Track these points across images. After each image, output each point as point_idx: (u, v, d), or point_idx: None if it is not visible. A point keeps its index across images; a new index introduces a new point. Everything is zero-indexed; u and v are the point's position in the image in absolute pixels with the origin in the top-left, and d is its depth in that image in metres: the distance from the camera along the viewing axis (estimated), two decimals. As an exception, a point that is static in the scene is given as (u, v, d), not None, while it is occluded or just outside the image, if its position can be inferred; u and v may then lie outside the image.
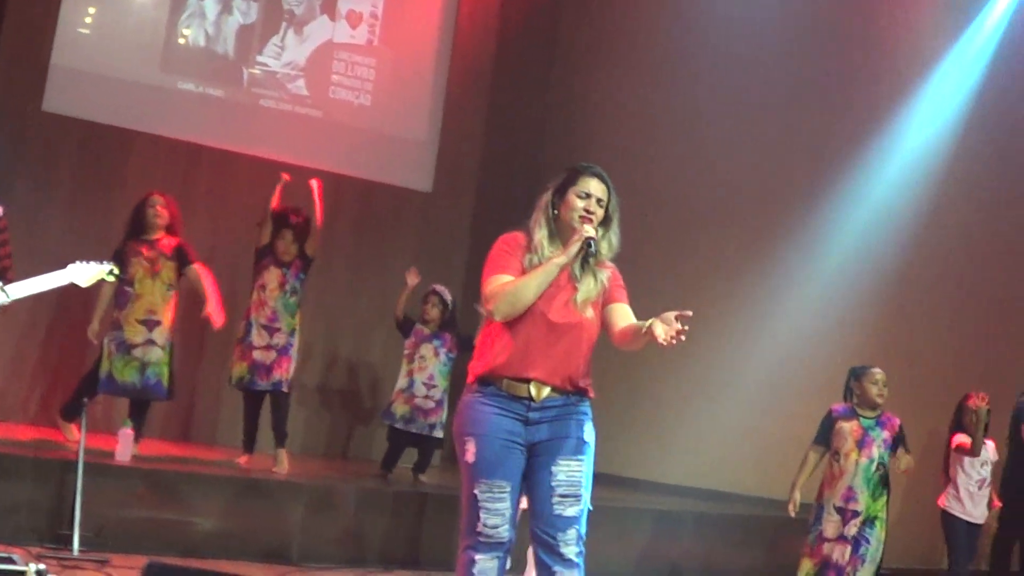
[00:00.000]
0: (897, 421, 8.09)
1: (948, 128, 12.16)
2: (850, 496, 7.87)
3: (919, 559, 11.46)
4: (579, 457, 5.11)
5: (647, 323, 4.83)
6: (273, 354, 9.47)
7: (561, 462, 5.06)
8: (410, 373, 10.06)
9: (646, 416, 12.18)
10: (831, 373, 9.50)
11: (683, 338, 4.72)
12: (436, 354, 10.03)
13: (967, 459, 8.94)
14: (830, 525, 7.90)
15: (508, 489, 5.05)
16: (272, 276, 9.54)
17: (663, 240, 12.10)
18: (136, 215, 9.22)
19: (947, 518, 8.99)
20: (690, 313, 4.75)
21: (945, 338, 11.99)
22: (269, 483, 8.88)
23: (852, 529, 7.84)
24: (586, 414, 5.20)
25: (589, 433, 5.18)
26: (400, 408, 10.03)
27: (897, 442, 8.05)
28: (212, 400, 11.31)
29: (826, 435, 8.06)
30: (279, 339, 9.50)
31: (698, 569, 10.10)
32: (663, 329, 4.74)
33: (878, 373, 8.06)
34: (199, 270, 9.19)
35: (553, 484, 5.05)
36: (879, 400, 8.03)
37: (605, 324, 5.23)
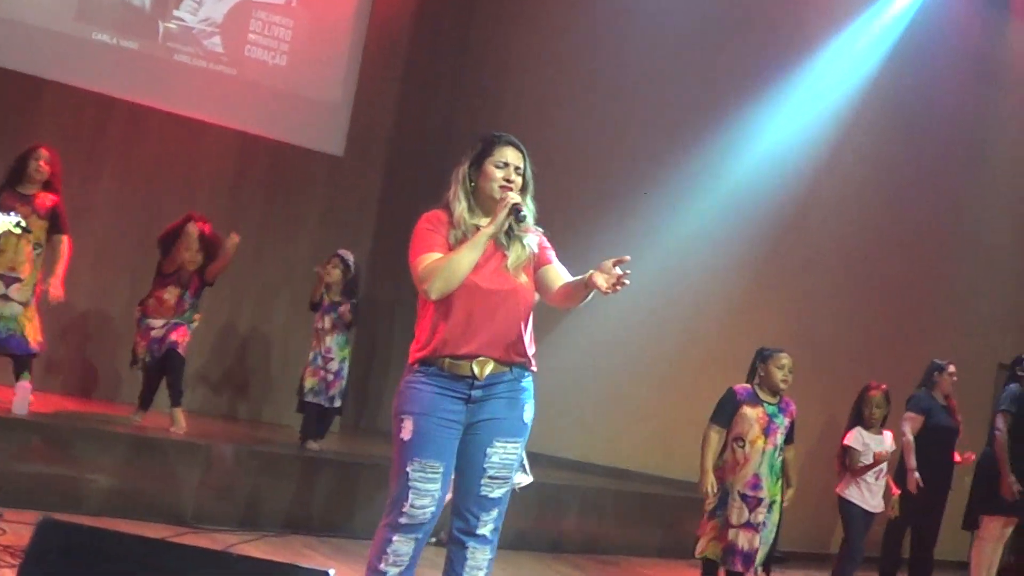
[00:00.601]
0: (794, 407, 8.14)
1: (857, 115, 12.34)
2: (756, 483, 7.82)
3: (814, 543, 11.63)
4: (516, 439, 5.11)
5: (586, 275, 4.78)
6: (171, 325, 9.43)
7: (497, 444, 5.05)
8: (314, 346, 10.08)
9: (545, 390, 12.15)
10: (734, 355, 9.60)
11: (627, 282, 4.67)
12: (334, 327, 10.02)
13: (863, 451, 9.01)
14: (735, 512, 7.82)
15: (441, 470, 4.99)
16: (171, 294, 9.42)
17: (573, 211, 12.12)
18: (18, 165, 8.93)
19: (845, 505, 9.06)
20: (628, 258, 4.70)
21: (848, 325, 12.19)
22: (166, 443, 8.78)
23: (759, 516, 7.80)
24: (528, 391, 5.18)
25: (529, 413, 5.18)
26: (308, 381, 10.06)
27: (792, 428, 8.12)
28: (111, 357, 11.17)
29: (729, 417, 7.97)
30: (177, 320, 9.46)
31: (591, 543, 10.18)
32: (603, 278, 4.68)
33: (785, 358, 8.05)
34: (65, 243, 8.93)
35: (486, 466, 5.04)
36: (783, 385, 8.02)
37: (540, 287, 5.18)
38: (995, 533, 9.75)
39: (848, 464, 9.09)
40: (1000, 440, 9.80)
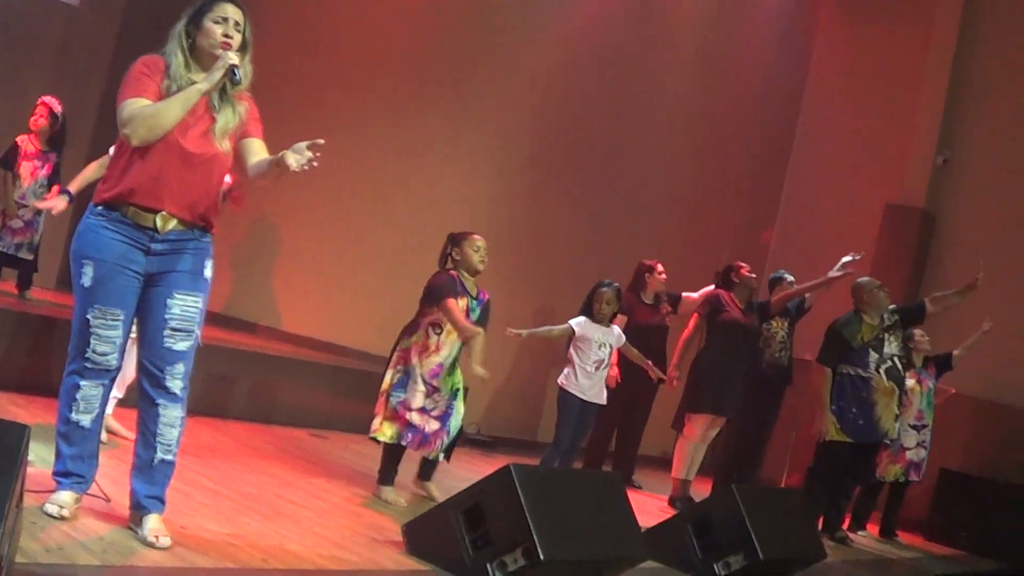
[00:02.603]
0: (488, 296, 8.03)
1: (594, 23, 12.49)
2: (438, 373, 7.69)
3: (522, 430, 11.87)
4: (196, 293, 5.12)
5: (280, 155, 4.81)
6: None
7: (177, 296, 5.06)
8: (6, 193, 9.86)
9: (274, 264, 12.16)
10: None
11: (315, 164, 4.73)
12: (32, 174, 9.78)
13: (583, 341, 8.99)
14: (417, 396, 7.65)
15: (122, 317, 5.02)
16: None
17: (315, 88, 12.02)
18: None
19: (563, 395, 8.97)
20: (322, 142, 4.76)
21: (573, 221, 12.37)
22: None
23: (435, 403, 7.72)
24: (208, 251, 5.19)
25: (209, 271, 5.18)
26: None
27: (484, 312, 7.99)
28: None
29: (431, 300, 7.78)
30: None
31: (304, 417, 10.20)
32: (294, 158, 4.74)
33: (479, 240, 7.89)
34: None
35: (167, 317, 5.05)
36: (480, 267, 7.84)
37: (238, 158, 5.20)
38: (698, 432, 10.02)
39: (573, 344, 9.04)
40: (684, 337, 10.28)
